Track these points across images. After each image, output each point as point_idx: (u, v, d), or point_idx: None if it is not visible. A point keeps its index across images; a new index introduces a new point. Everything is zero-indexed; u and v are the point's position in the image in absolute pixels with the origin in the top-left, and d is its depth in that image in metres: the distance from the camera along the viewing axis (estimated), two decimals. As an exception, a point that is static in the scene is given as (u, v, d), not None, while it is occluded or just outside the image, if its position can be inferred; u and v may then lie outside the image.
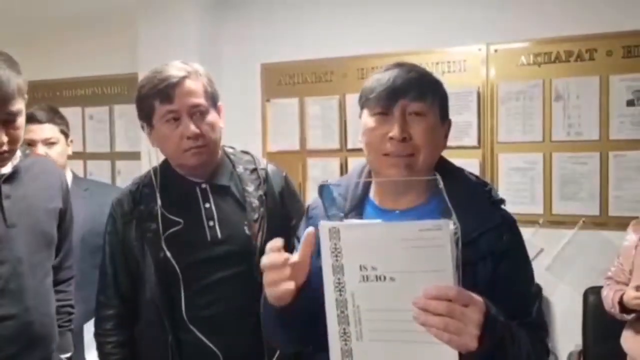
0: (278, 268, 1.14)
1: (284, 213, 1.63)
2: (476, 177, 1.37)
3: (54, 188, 1.81)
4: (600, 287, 2.72)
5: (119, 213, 1.68)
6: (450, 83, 3.47)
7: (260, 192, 1.65)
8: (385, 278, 1.05)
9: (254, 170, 1.69)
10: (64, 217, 1.84)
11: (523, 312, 1.24)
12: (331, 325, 1.11)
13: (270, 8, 3.53)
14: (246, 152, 1.78)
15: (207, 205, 1.64)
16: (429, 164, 1.28)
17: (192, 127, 1.56)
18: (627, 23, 2.82)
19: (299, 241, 1.40)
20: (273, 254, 1.15)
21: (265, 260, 1.15)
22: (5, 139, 1.54)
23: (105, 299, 1.71)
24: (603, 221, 2.89)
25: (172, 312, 1.60)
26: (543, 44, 2.98)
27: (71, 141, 2.58)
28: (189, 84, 1.57)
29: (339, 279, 1.08)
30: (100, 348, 1.70)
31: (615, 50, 2.86)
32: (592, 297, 2.76)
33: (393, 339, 1.07)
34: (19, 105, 1.56)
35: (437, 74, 1.37)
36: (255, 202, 1.64)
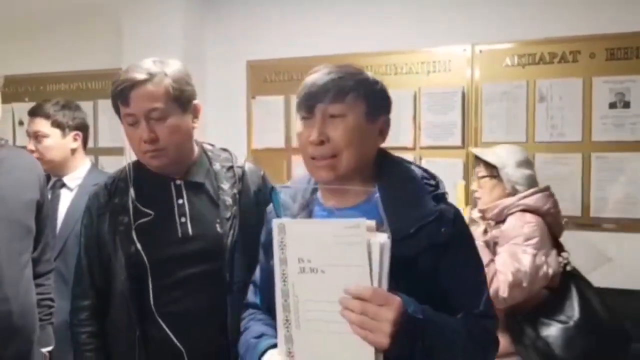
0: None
1: (260, 211, 1.62)
2: (423, 170, 1.39)
3: (30, 180, 1.81)
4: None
5: (95, 206, 1.68)
6: (435, 83, 3.49)
7: (235, 191, 1.65)
8: (317, 270, 1.16)
9: (230, 168, 1.69)
10: (41, 209, 1.84)
11: (470, 303, 1.28)
12: (278, 313, 1.20)
13: (256, 5, 3.52)
14: (225, 150, 1.77)
15: (180, 201, 1.63)
16: (356, 163, 1.29)
17: (146, 132, 1.54)
18: (611, 26, 2.85)
19: (262, 248, 1.45)
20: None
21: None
22: None
23: (80, 290, 1.70)
24: (585, 222, 2.92)
25: (140, 306, 1.59)
26: (527, 45, 3.00)
27: (77, 135, 2.54)
28: (148, 87, 1.54)
29: (283, 269, 1.19)
30: (74, 338, 1.69)
31: (599, 52, 2.89)
32: (572, 297, 2.78)
33: (324, 329, 1.16)
34: None
35: (373, 76, 1.35)
36: (229, 200, 1.63)
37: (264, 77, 3.53)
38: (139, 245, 1.58)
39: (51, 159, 2.45)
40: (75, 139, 2.52)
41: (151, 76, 1.55)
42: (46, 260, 1.92)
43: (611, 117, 2.87)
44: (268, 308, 1.39)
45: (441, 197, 1.33)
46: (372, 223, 1.12)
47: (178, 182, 1.65)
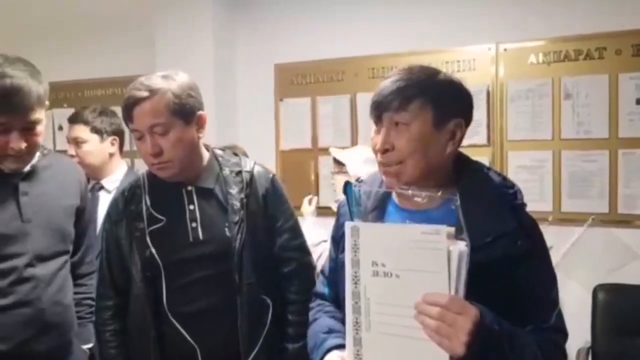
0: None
1: (268, 215, 1.68)
2: (503, 177, 1.36)
3: (72, 186, 1.90)
4: (610, 284, 2.76)
5: (114, 212, 1.78)
6: (459, 82, 3.47)
7: (243, 195, 1.69)
8: (392, 275, 1.15)
9: (239, 172, 1.73)
10: (81, 214, 1.93)
11: (541, 317, 1.27)
12: (347, 314, 1.21)
13: (283, 9, 3.60)
14: (235, 154, 1.82)
15: (192, 207, 1.70)
16: (423, 171, 1.29)
17: (150, 146, 1.61)
18: (636, 21, 2.84)
19: (333, 241, 1.49)
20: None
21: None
22: (24, 145, 1.64)
23: (103, 290, 1.81)
24: (612, 219, 2.91)
25: (156, 306, 1.68)
26: (552, 42, 3.01)
27: (114, 139, 2.65)
28: (149, 104, 1.59)
29: (355, 272, 1.19)
30: (99, 336, 1.80)
31: (625, 48, 2.88)
32: (601, 294, 2.78)
33: (396, 332, 1.15)
34: (39, 114, 1.65)
35: (450, 75, 1.34)
36: (237, 205, 1.68)
37: (291, 80, 3.59)
38: (153, 250, 1.67)
39: (90, 163, 2.57)
40: (112, 144, 2.64)
41: (152, 93, 1.59)
42: (88, 262, 2.00)
43: (638, 113, 2.86)
44: (336, 299, 1.43)
45: (519, 208, 1.31)
46: (451, 230, 1.11)
47: (189, 188, 1.71)
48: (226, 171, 1.73)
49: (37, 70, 1.66)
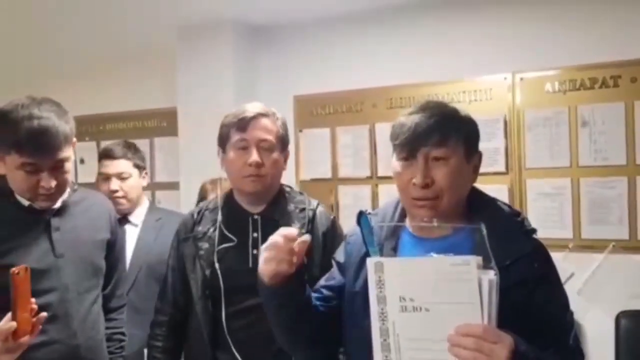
0: (278, 248, 1.27)
1: (326, 253, 1.73)
2: (509, 206, 1.43)
3: (102, 220, 1.94)
4: (633, 311, 2.74)
5: (182, 231, 1.88)
6: (477, 111, 3.53)
7: (304, 231, 1.75)
8: (421, 309, 1.15)
9: (303, 209, 1.82)
10: (112, 248, 1.96)
11: (559, 340, 1.29)
12: (376, 352, 1.19)
13: (302, 42, 3.67)
14: (301, 193, 1.92)
15: (255, 234, 1.78)
16: (455, 203, 1.34)
17: (255, 156, 1.73)
18: (651, 50, 2.87)
19: (335, 262, 1.52)
20: (279, 236, 1.28)
21: (270, 238, 1.29)
22: (54, 183, 1.68)
23: (161, 305, 1.90)
24: (633, 245, 2.90)
25: (213, 329, 1.75)
26: (568, 71, 3.04)
27: (146, 173, 2.75)
28: (264, 121, 1.77)
29: (382, 308, 1.17)
30: (149, 351, 1.87)
31: (640, 76, 2.91)
32: (624, 321, 2.76)
33: None
34: (67, 152, 1.70)
35: (463, 109, 1.40)
36: None
37: (310, 111, 3.65)
38: (217, 265, 1.75)
39: (132, 197, 2.65)
40: (144, 178, 2.72)
41: (267, 113, 1.78)
42: (119, 295, 2.03)
43: (655, 140, 2.87)
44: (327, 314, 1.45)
45: (531, 233, 1.36)
46: (480, 260, 1.11)
47: (256, 217, 1.81)
48: (291, 207, 1.83)
49: (63, 110, 1.71)
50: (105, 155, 2.67)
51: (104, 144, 2.96)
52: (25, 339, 1.50)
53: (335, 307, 1.45)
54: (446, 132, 1.32)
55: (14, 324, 1.46)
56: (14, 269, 1.47)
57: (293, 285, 1.32)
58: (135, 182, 2.66)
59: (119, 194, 2.58)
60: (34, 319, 1.52)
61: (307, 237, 1.30)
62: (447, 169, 1.31)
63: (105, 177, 2.63)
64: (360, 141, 3.49)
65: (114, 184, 2.61)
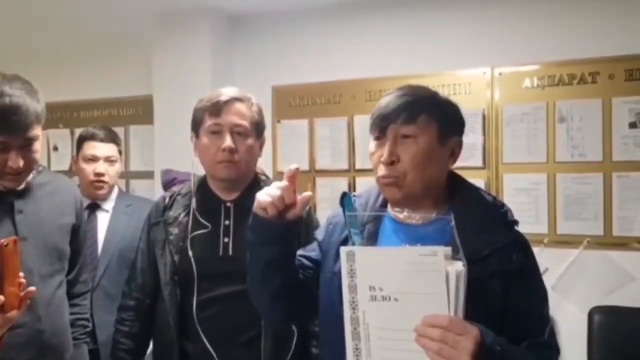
0: (283, 186, 1.29)
1: (300, 242, 1.72)
2: (493, 197, 1.41)
3: (68, 204, 1.89)
4: (606, 307, 2.76)
5: (153, 215, 1.85)
6: (455, 105, 3.52)
7: None
8: (390, 298, 1.14)
9: None
10: (77, 233, 1.92)
11: (535, 333, 1.29)
12: (347, 341, 1.20)
13: (281, 32, 3.63)
14: None
15: (227, 222, 1.75)
16: (423, 185, 1.32)
17: (229, 141, 1.69)
18: (629, 47, 2.88)
19: (315, 238, 1.50)
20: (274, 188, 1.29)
21: (266, 188, 1.29)
22: (22, 163, 1.63)
23: (129, 290, 1.86)
24: (607, 241, 2.92)
25: (181, 317, 1.71)
26: (546, 67, 3.05)
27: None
28: (239, 106, 1.72)
29: (353, 297, 1.17)
30: (114, 334, 1.84)
31: (618, 73, 2.92)
32: (597, 317, 2.78)
33: (397, 357, 1.15)
34: (36, 131, 1.66)
35: (444, 94, 1.40)
36: None
37: (288, 102, 3.62)
38: (190, 253, 1.71)
39: (113, 183, 2.62)
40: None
41: (242, 98, 1.73)
42: (83, 281, 1.99)
43: (631, 137, 2.88)
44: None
45: (512, 225, 1.35)
46: (448, 250, 1.11)
47: (228, 204, 1.77)
48: None
49: (34, 88, 1.67)
50: (92, 137, 2.60)
51: (78, 131, 2.89)
52: (13, 314, 1.47)
53: (310, 279, 1.43)
54: (416, 109, 1.30)
55: (1, 297, 1.42)
56: (3, 241, 1.42)
57: (286, 226, 1.29)
58: (119, 168, 2.65)
59: (105, 178, 2.53)
60: (22, 294, 1.48)
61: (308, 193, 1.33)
62: (414, 147, 1.30)
63: (90, 159, 2.56)
64: (338, 133, 3.47)
65: (101, 166, 2.56)
